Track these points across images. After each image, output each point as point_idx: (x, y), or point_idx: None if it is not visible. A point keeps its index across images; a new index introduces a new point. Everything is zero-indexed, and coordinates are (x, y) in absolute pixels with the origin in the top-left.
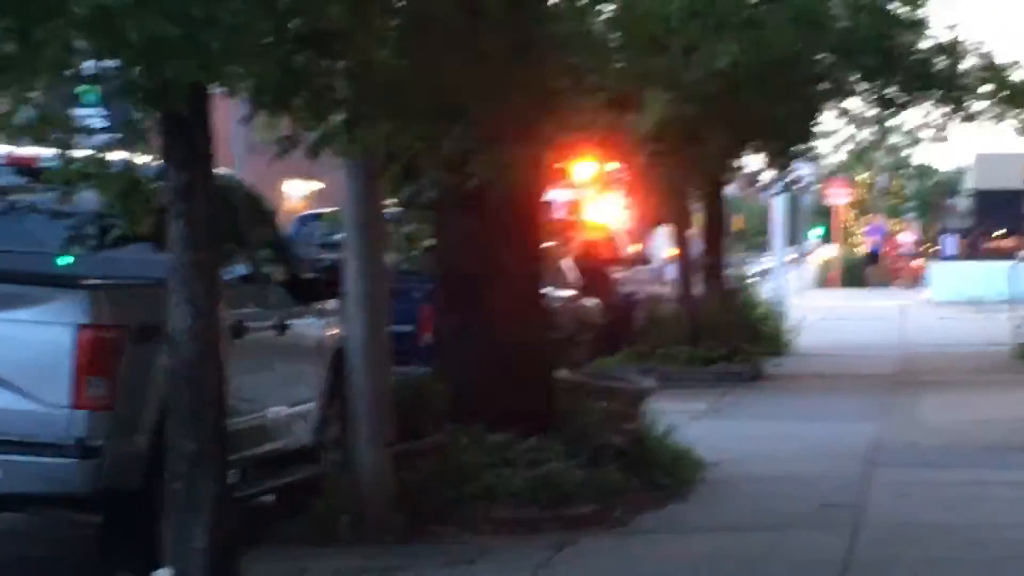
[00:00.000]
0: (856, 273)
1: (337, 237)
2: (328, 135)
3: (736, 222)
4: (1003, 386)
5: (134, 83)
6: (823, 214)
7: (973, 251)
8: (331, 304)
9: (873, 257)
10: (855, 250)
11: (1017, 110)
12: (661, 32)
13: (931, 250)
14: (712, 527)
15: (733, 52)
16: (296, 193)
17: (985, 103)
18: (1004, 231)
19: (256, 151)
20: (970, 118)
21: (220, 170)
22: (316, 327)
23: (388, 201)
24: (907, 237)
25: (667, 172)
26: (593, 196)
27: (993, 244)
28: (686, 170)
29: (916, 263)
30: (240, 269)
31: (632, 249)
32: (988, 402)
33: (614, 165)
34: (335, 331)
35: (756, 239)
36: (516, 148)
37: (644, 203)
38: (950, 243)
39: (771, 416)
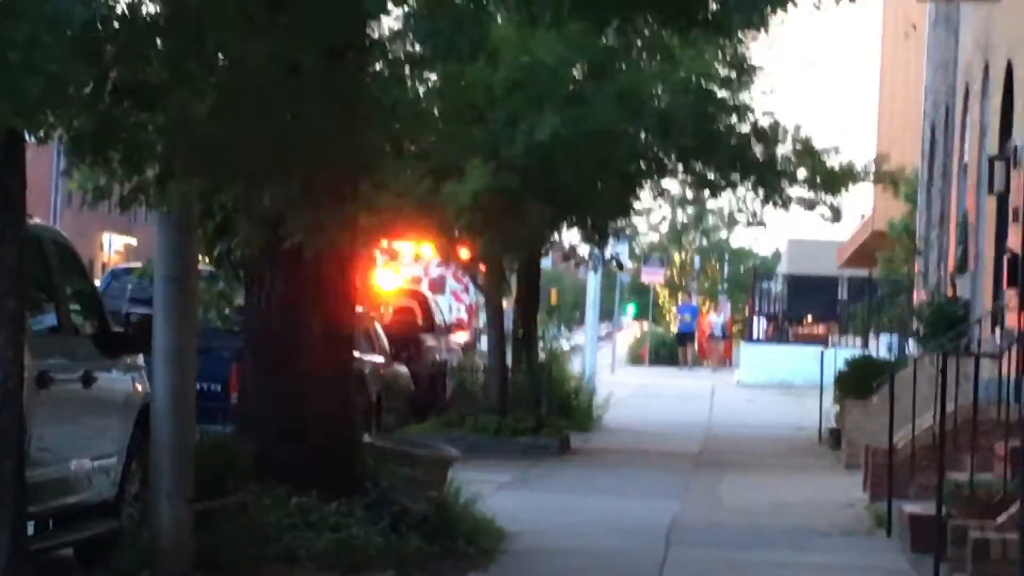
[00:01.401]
0: (667, 351)
1: (149, 292)
2: (140, 187)
3: (551, 295)
4: (807, 469)
5: None
6: (638, 291)
7: (779, 334)
8: (139, 359)
9: (685, 336)
10: (668, 329)
11: (829, 197)
12: (483, 102)
13: (739, 332)
14: None
15: (554, 125)
16: (113, 246)
17: (801, 189)
18: (810, 317)
19: (74, 203)
20: (784, 204)
21: (33, 219)
22: (123, 381)
23: (201, 258)
24: (717, 318)
25: (484, 243)
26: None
27: (803, 329)
28: (503, 241)
29: (725, 344)
30: (48, 319)
31: (446, 317)
32: (791, 484)
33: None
34: (141, 386)
35: (570, 313)
36: (330, 209)
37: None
38: (758, 326)
39: (576, 490)
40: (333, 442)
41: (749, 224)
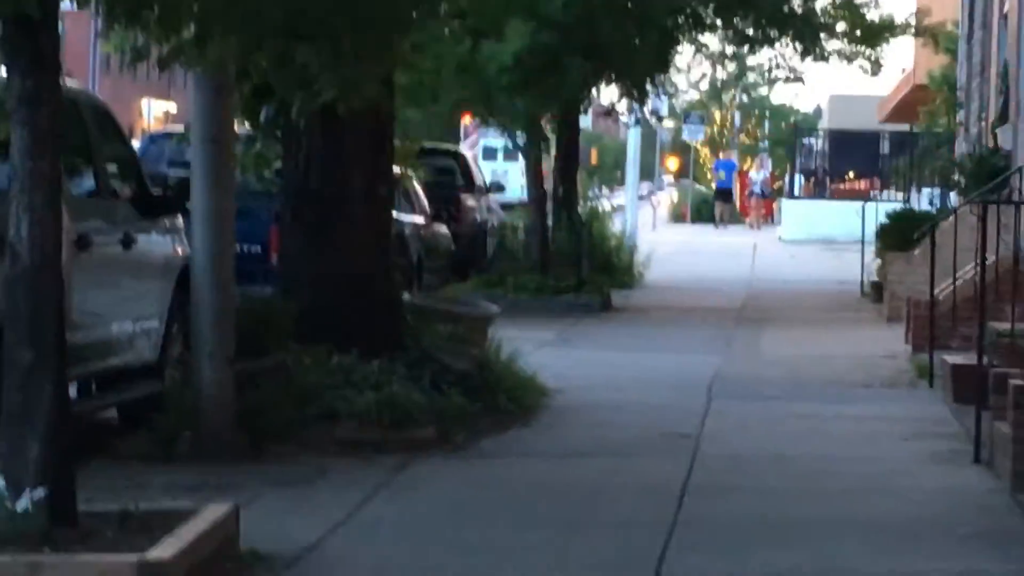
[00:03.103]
0: (708, 210)
1: (188, 156)
2: (177, 48)
3: (592, 155)
4: (848, 323)
5: None
6: (680, 151)
7: (820, 190)
8: (179, 221)
9: (723, 194)
10: (710, 187)
11: (869, 50)
12: None
13: (780, 189)
14: (553, 452)
15: None
16: (152, 112)
17: (839, 43)
18: (851, 173)
19: (113, 69)
20: (823, 58)
21: (69, 82)
22: (163, 243)
23: (242, 121)
24: (757, 175)
25: (523, 101)
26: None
27: (844, 184)
28: (542, 99)
29: (766, 202)
30: (86, 183)
31: (487, 177)
32: (833, 338)
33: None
34: (181, 248)
35: (611, 174)
36: (367, 66)
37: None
38: (798, 182)
39: (618, 346)
40: (374, 301)
41: (788, 80)
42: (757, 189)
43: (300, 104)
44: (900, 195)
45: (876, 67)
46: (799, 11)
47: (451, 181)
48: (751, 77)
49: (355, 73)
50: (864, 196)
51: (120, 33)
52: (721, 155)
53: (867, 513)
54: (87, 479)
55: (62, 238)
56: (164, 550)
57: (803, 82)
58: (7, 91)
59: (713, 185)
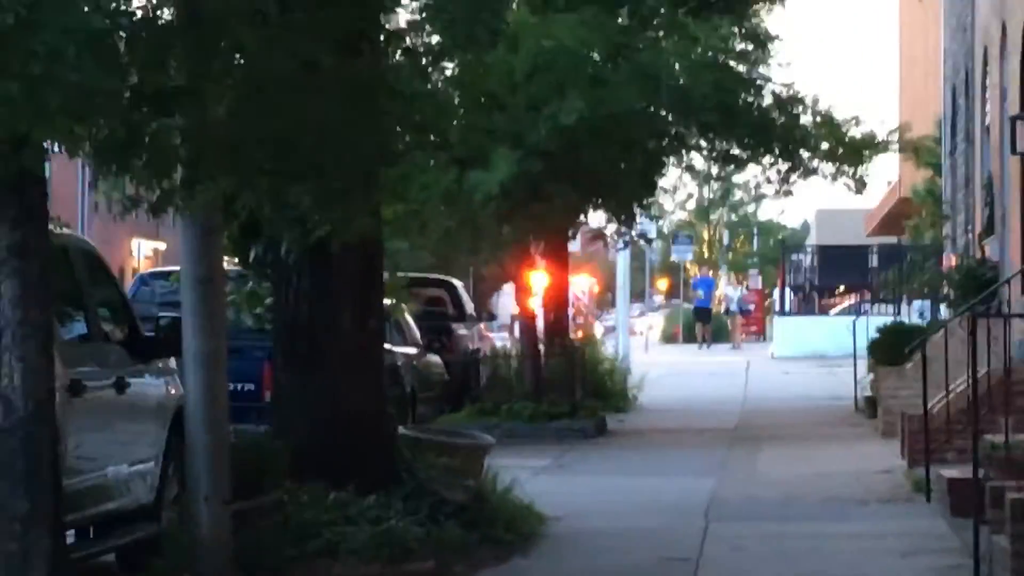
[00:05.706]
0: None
1: (179, 295)
2: (169, 193)
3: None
4: (844, 439)
5: None
6: (669, 270)
7: (808, 306)
8: (171, 362)
9: (703, 313)
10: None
11: (852, 168)
12: (503, 89)
13: (770, 306)
14: None
15: (580, 109)
16: (142, 252)
17: (823, 160)
18: (841, 287)
19: (102, 211)
20: (808, 174)
21: (59, 229)
22: (156, 385)
23: (231, 260)
24: (733, 292)
25: (510, 229)
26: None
27: (834, 300)
28: (531, 227)
29: (749, 319)
30: (78, 328)
31: (475, 306)
32: (828, 455)
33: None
34: (175, 389)
35: (602, 296)
36: (356, 201)
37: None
38: (787, 298)
39: (614, 471)
40: (368, 435)
41: (776, 194)
42: (733, 306)
43: (291, 242)
44: (890, 308)
45: (860, 185)
46: (782, 129)
47: (442, 311)
48: (737, 194)
49: (346, 209)
50: (855, 310)
51: (110, 181)
52: (698, 273)
53: None
54: None
55: (55, 385)
56: None
57: (791, 194)
58: None
59: (692, 304)
